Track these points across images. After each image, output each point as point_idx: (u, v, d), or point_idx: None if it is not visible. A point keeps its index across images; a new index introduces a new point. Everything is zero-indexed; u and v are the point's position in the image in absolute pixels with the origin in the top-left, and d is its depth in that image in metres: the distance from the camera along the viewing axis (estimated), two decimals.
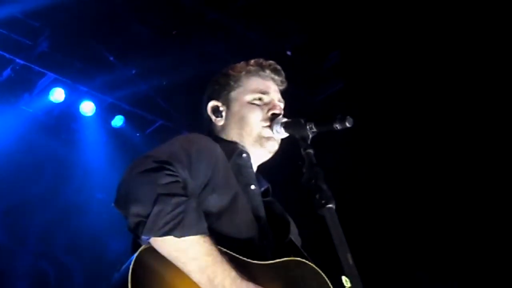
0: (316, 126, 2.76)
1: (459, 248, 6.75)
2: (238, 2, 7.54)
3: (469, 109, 6.94)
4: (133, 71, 8.27)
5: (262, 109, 3.24)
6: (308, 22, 7.68)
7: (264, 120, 3.21)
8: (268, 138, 3.21)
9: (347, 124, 2.69)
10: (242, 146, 3.20)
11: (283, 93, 3.44)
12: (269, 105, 3.27)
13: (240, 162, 3.14)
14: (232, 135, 3.26)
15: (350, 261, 2.21)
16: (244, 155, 3.17)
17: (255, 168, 3.27)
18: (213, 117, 3.35)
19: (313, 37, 7.98)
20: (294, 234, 3.27)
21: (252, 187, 3.12)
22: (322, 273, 2.96)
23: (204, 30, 7.76)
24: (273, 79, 3.41)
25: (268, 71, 3.40)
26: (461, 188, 6.91)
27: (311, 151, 2.62)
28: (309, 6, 7.39)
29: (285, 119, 3.11)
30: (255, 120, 3.22)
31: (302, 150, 2.65)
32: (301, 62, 8.10)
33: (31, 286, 8.68)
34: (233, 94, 3.33)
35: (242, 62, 3.43)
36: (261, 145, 3.21)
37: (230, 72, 3.39)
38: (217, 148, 3.02)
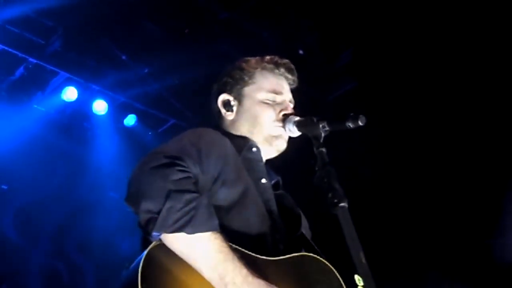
0: (328, 124, 2.75)
1: (472, 247, 6.72)
2: (250, 1, 7.54)
3: (484, 108, 6.90)
4: (145, 70, 8.28)
5: (274, 109, 3.24)
6: (320, 21, 7.67)
7: (276, 120, 3.21)
8: (277, 137, 3.22)
9: (360, 123, 2.67)
10: (252, 140, 3.20)
11: (294, 92, 3.44)
12: (281, 105, 3.26)
13: (251, 156, 3.14)
14: (242, 130, 3.25)
15: (363, 260, 2.21)
16: (254, 149, 3.17)
17: (265, 155, 3.25)
18: (223, 110, 3.34)
19: (325, 36, 7.96)
20: (305, 228, 3.27)
21: (263, 180, 3.12)
22: (333, 269, 2.95)
23: (216, 29, 7.76)
24: (286, 78, 3.40)
25: (282, 70, 3.39)
26: (476, 187, 6.87)
27: (323, 149, 2.61)
28: (321, 5, 7.37)
29: (298, 118, 3.10)
30: (267, 120, 3.22)
31: (314, 148, 2.64)
32: (313, 61, 8.08)
33: (44, 284, 8.72)
34: (246, 90, 3.31)
35: (257, 58, 3.42)
36: (270, 143, 3.22)
37: (245, 66, 3.37)
38: (227, 142, 3.02)
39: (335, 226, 2.30)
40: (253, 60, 3.41)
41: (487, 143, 6.84)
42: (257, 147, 3.19)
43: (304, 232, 3.17)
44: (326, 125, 2.76)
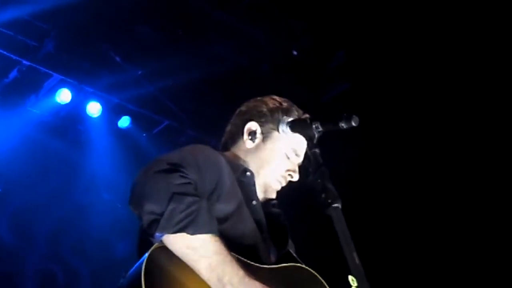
0: (322, 125, 2.77)
1: (466, 247, 6.74)
2: (243, 2, 7.55)
3: (476, 108, 6.93)
4: (139, 72, 8.27)
5: (287, 166, 3.29)
6: (314, 22, 7.68)
7: (282, 176, 3.29)
8: (273, 191, 3.32)
9: (353, 123, 2.68)
10: (248, 165, 3.26)
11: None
12: (293, 165, 3.32)
13: (243, 180, 3.18)
14: (249, 162, 3.29)
15: (357, 260, 2.22)
16: (248, 173, 3.22)
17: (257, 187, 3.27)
18: (245, 136, 3.35)
19: (318, 37, 7.97)
20: (291, 249, 3.30)
21: (254, 202, 3.17)
22: (321, 279, 3.03)
23: (210, 31, 7.76)
24: (307, 145, 3.40)
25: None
26: (470, 187, 6.90)
27: (317, 150, 2.63)
28: (315, 6, 7.39)
29: (291, 119, 3.15)
30: (276, 170, 3.29)
31: (308, 149, 2.68)
32: (307, 62, 8.09)
33: (39, 287, 8.70)
34: (276, 134, 3.30)
35: (299, 110, 3.39)
36: (265, 190, 3.30)
37: (287, 110, 3.35)
38: (222, 161, 3.06)
39: (328, 227, 2.31)
40: (295, 109, 3.38)
41: (479, 142, 6.86)
42: (250, 171, 3.23)
43: (291, 251, 3.21)
44: (319, 126, 2.77)
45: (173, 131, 8.93)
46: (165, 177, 2.63)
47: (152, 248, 2.55)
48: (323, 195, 2.39)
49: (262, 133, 3.33)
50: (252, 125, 3.35)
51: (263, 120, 3.35)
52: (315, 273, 3.03)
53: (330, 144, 3.08)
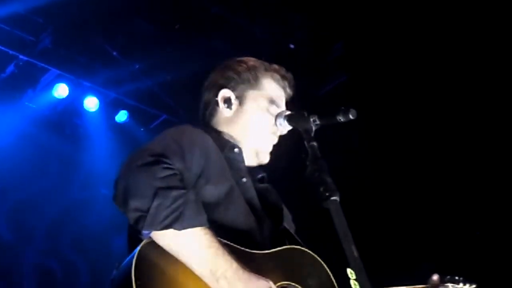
0: (319, 118, 2.76)
1: (465, 239, 6.75)
2: None
3: (474, 102, 6.92)
4: (137, 66, 8.26)
5: (271, 120, 3.22)
6: (311, 15, 7.66)
7: (270, 133, 3.24)
8: (264, 152, 3.27)
9: (351, 117, 2.69)
10: (235, 140, 3.21)
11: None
12: None
13: (232, 156, 3.13)
14: (233, 130, 3.25)
15: (355, 253, 2.21)
16: (236, 149, 3.17)
17: (246, 162, 3.24)
18: (221, 105, 3.31)
19: (316, 30, 7.96)
20: (288, 221, 3.28)
21: (244, 180, 3.12)
22: (320, 260, 3.00)
23: (207, 24, 7.75)
24: (285, 93, 3.40)
25: (286, 83, 3.39)
26: (467, 179, 6.90)
27: (315, 144, 2.61)
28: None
29: (288, 112, 3.12)
30: (262, 130, 3.24)
31: (305, 143, 2.64)
32: (304, 55, 8.08)
33: (37, 283, 8.69)
34: (251, 93, 3.29)
35: (264, 63, 3.39)
36: (256, 155, 3.26)
37: (252, 67, 3.35)
38: (209, 139, 3.01)
39: (326, 220, 2.31)
40: (261, 65, 3.38)
41: (478, 136, 6.86)
42: (239, 148, 3.18)
43: (287, 225, 3.19)
44: (317, 119, 2.76)
45: (171, 125, 8.85)
46: (148, 171, 2.56)
47: (142, 243, 2.51)
48: (321, 188, 2.37)
49: (236, 97, 3.30)
50: (225, 93, 3.31)
51: (233, 84, 3.32)
52: (313, 254, 3.00)
53: (328, 137, 3.06)
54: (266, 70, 3.36)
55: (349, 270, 2.72)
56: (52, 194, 8.82)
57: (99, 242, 9.00)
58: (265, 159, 3.28)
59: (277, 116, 3.16)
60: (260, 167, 3.38)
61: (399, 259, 6.96)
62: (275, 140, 3.28)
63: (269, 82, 3.34)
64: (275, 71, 3.37)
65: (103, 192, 9.18)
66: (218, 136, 3.16)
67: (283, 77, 3.38)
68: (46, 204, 8.81)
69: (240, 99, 3.30)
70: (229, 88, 3.32)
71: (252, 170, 3.29)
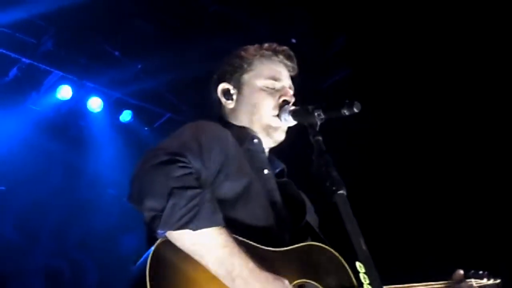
0: (324, 112, 2.74)
1: (470, 233, 6.73)
2: None
3: (478, 96, 6.90)
4: (139, 66, 8.27)
5: (273, 96, 3.23)
6: (312, 9, 7.64)
7: (275, 107, 3.20)
8: (276, 129, 3.21)
9: (355, 110, 2.66)
10: (252, 131, 3.20)
11: (293, 80, 3.43)
12: (281, 91, 3.25)
13: (252, 148, 3.13)
14: (242, 119, 3.25)
15: (363, 247, 2.21)
16: (256, 140, 3.17)
17: (266, 153, 3.25)
18: (223, 100, 3.33)
19: (317, 24, 7.94)
20: (310, 214, 3.27)
21: (265, 171, 3.11)
22: (339, 256, 2.95)
23: (208, 21, 7.74)
24: (285, 65, 3.39)
25: (281, 57, 3.38)
26: (471, 173, 6.88)
27: (320, 138, 2.61)
28: None
29: (292, 107, 3.10)
30: (266, 107, 3.21)
31: (311, 137, 2.63)
32: (306, 49, 8.07)
33: (47, 283, 8.72)
34: (246, 77, 3.31)
35: (255, 45, 3.41)
36: (268, 134, 3.21)
37: (243, 54, 3.37)
38: (228, 135, 3.00)
39: (335, 214, 2.31)
40: (251, 48, 3.40)
41: (481, 131, 6.84)
42: (258, 138, 3.18)
43: (309, 219, 3.17)
44: (321, 113, 2.74)
45: (175, 123, 8.92)
46: (164, 170, 2.53)
47: (158, 242, 2.49)
48: (327, 183, 2.37)
49: (234, 87, 3.32)
50: (223, 86, 3.35)
51: (227, 76, 3.35)
52: (333, 251, 2.96)
53: (332, 131, 3.05)
54: (256, 51, 3.37)
55: (358, 264, 2.71)
56: (58, 196, 8.85)
57: (106, 242, 9.03)
58: (279, 136, 3.25)
59: (282, 111, 3.14)
60: (279, 159, 3.38)
61: (407, 251, 6.95)
62: (278, 118, 3.20)
63: (261, 61, 3.34)
64: (266, 49, 3.38)
65: (109, 192, 9.21)
66: (235, 129, 3.15)
67: (275, 52, 3.38)
68: (53, 205, 8.84)
69: (238, 87, 3.32)
70: (225, 81, 3.35)
71: (272, 162, 3.29)
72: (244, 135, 3.15)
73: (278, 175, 3.30)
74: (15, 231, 8.60)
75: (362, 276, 2.70)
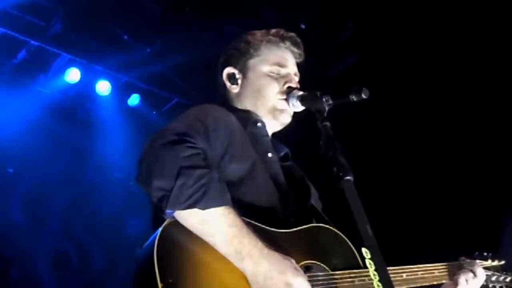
0: (332, 98, 2.73)
1: (480, 217, 6.72)
2: None
3: (486, 82, 6.87)
4: (148, 50, 8.26)
5: (278, 82, 3.24)
6: None
7: (280, 93, 3.21)
8: (282, 111, 3.22)
9: (363, 96, 2.66)
10: (256, 115, 3.20)
11: (299, 67, 3.43)
12: (286, 78, 3.26)
13: (256, 131, 3.14)
14: (246, 104, 3.26)
15: (370, 233, 2.21)
16: (259, 124, 3.17)
17: (270, 131, 3.26)
18: (228, 84, 3.35)
19: (326, 10, 7.91)
20: (315, 198, 3.28)
21: (269, 155, 3.13)
22: (345, 238, 2.96)
23: (217, 7, 7.72)
24: (292, 52, 3.40)
25: (288, 43, 3.39)
26: (480, 157, 6.87)
27: (327, 124, 2.60)
28: None
29: (301, 92, 3.09)
30: (271, 92, 3.22)
31: (318, 123, 2.63)
32: (315, 35, 8.04)
33: (53, 266, 8.77)
34: (251, 62, 3.32)
35: (262, 31, 3.42)
36: (274, 117, 3.23)
37: (250, 39, 3.38)
38: (232, 118, 3.02)
39: (341, 200, 2.30)
40: (258, 33, 3.40)
41: (489, 117, 6.82)
42: (261, 121, 3.19)
43: (314, 203, 3.18)
44: (329, 99, 2.73)
45: (183, 108, 8.87)
46: (172, 150, 2.54)
47: (165, 223, 2.49)
48: (334, 169, 2.37)
49: (239, 71, 3.34)
50: (228, 70, 3.37)
51: (234, 60, 3.37)
52: (339, 233, 2.97)
53: (340, 117, 3.05)
54: (263, 36, 3.38)
55: (364, 250, 2.71)
56: (66, 179, 8.88)
57: (113, 225, 9.07)
58: (285, 118, 3.26)
59: (290, 96, 3.14)
60: (283, 142, 3.39)
61: (414, 237, 6.96)
62: (285, 100, 3.20)
63: (268, 46, 3.35)
64: (273, 34, 3.39)
65: (117, 176, 9.24)
66: (239, 113, 3.15)
67: (283, 38, 3.39)
68: (60, 188, 8.87)
69: (243, 72, 3.33)
70: (231, 65, 3.37)
71: (276, 146, 3.29)
72: (247, 119, 3.15)
73: (282, 159, 3.31)
74: (23, 214, 8.63)
75: (368, 262, 2.70)
